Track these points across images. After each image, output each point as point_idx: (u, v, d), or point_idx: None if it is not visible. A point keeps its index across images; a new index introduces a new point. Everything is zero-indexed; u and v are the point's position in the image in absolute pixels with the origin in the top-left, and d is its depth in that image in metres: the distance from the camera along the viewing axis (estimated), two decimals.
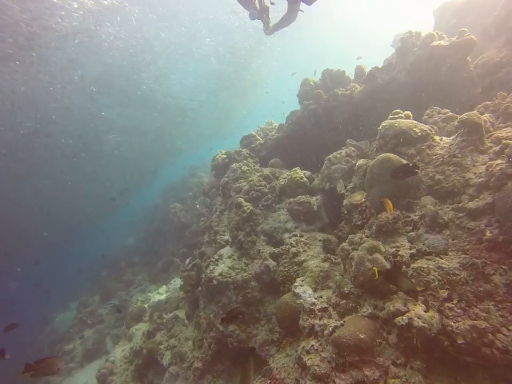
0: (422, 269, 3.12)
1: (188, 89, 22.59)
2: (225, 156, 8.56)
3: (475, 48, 5.19)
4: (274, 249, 5.30)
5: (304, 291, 4.13)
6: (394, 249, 3.54)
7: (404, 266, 3.33)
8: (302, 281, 4.35)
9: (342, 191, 6.07)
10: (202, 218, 10.06)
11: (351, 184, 5.16)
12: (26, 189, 22.48)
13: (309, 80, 8.48)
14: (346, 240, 4.10)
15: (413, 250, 3.41)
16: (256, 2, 5.29)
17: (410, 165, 3.37)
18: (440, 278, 2.97)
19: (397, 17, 26.35)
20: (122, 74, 17.20)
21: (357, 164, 4.79)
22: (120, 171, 28.73)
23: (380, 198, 3.98)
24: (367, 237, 3.97)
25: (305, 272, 4.53)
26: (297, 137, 7.98)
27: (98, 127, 21.00)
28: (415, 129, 4.07)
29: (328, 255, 4.65)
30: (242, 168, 7.50)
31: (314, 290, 4.22)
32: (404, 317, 2.79)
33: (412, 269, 3.22)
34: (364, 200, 4.76)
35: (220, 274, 5.72)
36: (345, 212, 4.90)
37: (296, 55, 27.25)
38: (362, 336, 2.95)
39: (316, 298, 3.97)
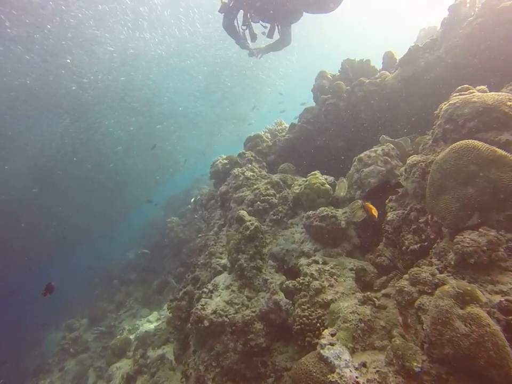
0: None
1: (190, 99, 21.79)
2: (226, 161, 7.20)
3: None
4: (288, 282, 3.81)
5: (338, 355, 2.62)
6: (501, 298, 2.05)
7: None
8: (333, 336, 2.85)
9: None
10: (200, 235, 8.67)
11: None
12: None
13: (325, 72, 7.17)
14: (406, 277, 2.59)
15: None
16: (245, 32, 5.34)
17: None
18: None
19: (414, 19, 25.09)
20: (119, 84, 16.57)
21: (408, 162, 3.32)
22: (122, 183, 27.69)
23: (458, 210, 2.52)
24: (440, 272, 2.48)
25: (335, 320, 3.02)
26: (313, 138, 6.60)
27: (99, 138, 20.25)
28: (509, 103, 2.64)
29: (369, 293, 3.14)
30: (245, 174, 6.11)
31: (352, 352, 2.71)
32: None
33: None
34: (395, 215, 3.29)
35: (214, 312, 4.23)
36: (390, 230, 3.43)
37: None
38: None
39: (357, 369, 2.47)
